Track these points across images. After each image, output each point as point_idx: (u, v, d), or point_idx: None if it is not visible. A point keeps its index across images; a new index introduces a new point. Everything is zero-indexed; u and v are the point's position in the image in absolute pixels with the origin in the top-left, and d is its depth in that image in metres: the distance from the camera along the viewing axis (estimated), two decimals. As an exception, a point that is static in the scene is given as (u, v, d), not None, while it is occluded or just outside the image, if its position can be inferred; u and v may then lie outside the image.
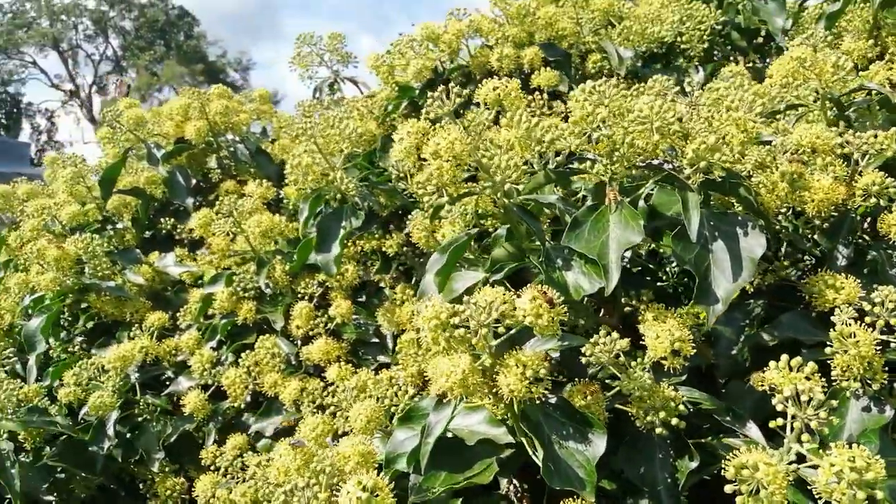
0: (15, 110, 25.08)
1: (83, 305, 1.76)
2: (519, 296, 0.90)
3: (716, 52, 1.94)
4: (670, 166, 1.09)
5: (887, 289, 0.94)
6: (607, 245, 1.01)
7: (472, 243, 1.22)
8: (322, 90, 2.26)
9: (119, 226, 1.94)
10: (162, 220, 1.95)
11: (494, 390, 0.91)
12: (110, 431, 1.52)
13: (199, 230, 1.68)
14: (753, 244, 0.98)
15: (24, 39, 24.25)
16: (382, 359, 1.56)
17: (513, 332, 0.90)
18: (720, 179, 1.02)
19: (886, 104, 1.24)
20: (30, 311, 1.75)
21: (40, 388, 1.62)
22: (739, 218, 1.00)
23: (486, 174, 1.05)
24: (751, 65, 1.93)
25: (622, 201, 1.03)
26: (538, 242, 1.12)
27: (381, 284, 1.64)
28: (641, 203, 1.10)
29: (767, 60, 1.87)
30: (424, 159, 1.00)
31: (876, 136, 1.09)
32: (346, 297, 1.58)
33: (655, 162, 1.07)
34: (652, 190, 1.12)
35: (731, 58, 1.90)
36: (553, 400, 0.95)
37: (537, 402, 0.91)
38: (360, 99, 1.80)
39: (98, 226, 1.88)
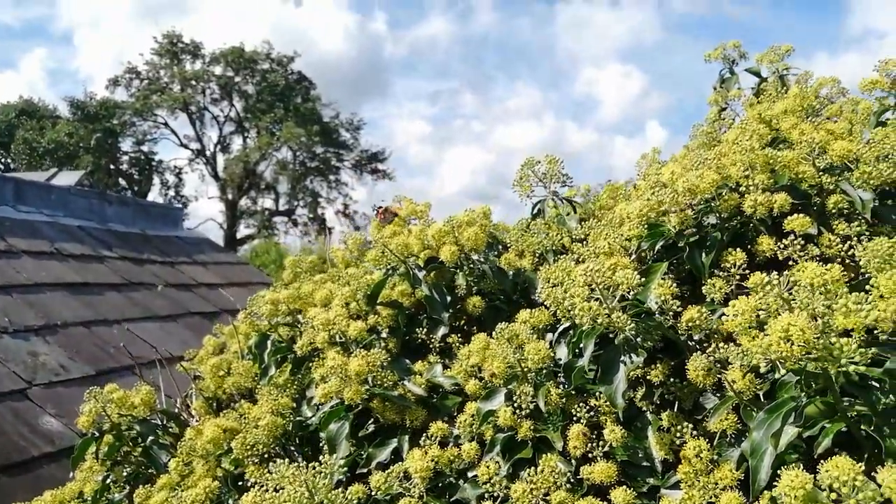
0: (147, 168, 27.43)
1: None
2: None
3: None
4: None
5: None
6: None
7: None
8: (542, 209, 2.50)
9: (383, 335, 2.21)
10: (416, 330, 2.22)
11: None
12: (414, 534, 1.74)
13: (476, 354, 1.91)
14: None
15: (158, 103, 26.61)
16: (652, 481, 1.71)
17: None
18: None
19: None
20: (319, 417, 2.05)
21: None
22: None
23: (817, 351, 1.21)
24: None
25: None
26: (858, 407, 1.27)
27: (643, 409, 1.81)
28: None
29: None
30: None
31: None
32: (615, 421, 1.76)
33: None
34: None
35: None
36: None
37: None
38: (608, 234, 2.01)
39: (368, 337, 2.16)
